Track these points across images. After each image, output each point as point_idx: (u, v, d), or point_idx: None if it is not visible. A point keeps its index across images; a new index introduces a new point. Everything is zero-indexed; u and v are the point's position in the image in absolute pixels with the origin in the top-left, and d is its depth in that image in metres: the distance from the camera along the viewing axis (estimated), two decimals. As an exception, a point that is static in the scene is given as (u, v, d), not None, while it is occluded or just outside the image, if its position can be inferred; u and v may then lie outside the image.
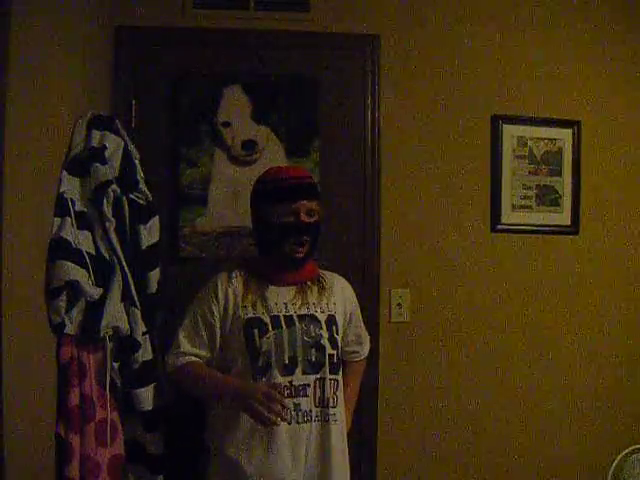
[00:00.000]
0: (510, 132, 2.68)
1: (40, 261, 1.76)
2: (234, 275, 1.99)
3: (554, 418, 2.69)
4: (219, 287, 1.97)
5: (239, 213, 2.46)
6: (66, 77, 1.94)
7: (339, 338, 1.99)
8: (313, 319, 1.94)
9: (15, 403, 1.56)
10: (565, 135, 2.71)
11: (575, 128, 2.71)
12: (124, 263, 1.98)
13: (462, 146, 2.66)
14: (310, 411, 1.88)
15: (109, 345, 1.91)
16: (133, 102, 2.49)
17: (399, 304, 2.61)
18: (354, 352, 2.18)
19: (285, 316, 1.92)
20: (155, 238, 2.18)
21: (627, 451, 2.39)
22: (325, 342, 1.92)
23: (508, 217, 2.68)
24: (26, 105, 1.62)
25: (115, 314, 1.91)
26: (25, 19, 1.60)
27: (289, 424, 1.85)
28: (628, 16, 2.76)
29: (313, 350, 1.90)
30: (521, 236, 2.69)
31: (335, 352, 1.95)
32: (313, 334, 1.91)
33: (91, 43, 2.24)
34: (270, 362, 1.86)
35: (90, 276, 1.88)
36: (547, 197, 2.71)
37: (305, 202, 1.92)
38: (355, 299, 2.15)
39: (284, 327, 1.89)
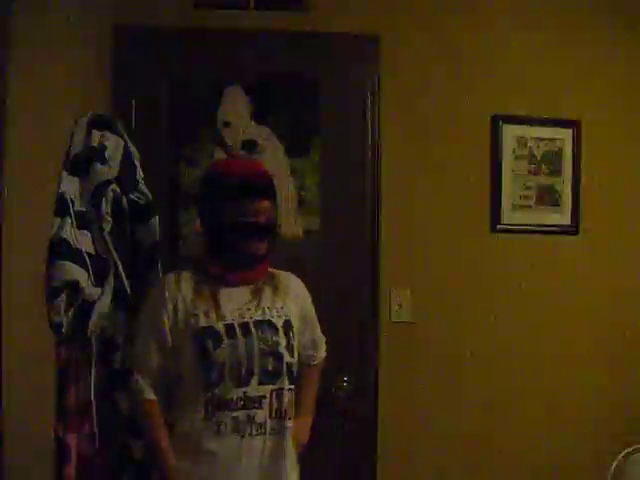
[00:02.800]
0: (510, 132, 2.68)
1: (40, 261, 1.76)
2: (182, 279, 1.82)
3: (554, 418, 2.69)
4: (166, 294, 1.79)
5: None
6: (66, 77, 1.94)
7: (295, 344, 1.86)
8: (270, 325, 1.80)
9: (15, 403, 1.56)
10: (565, 135, 2.71)
11: (575, 128, 2.71)
12: (119, 264, 1.97)
13: (462, 146, 2.66)
14: (265, 423, 1.76)
15: (95, 345, 1.89)
16: (133, 102, 2.49)
17: (399, 304, 2.61)
18: (309, 355, 2.02)
19: (240, 324, 1.77)
20: (155, 238, 2.18)
21: (627, 451, 2.39)
22: (282, 350, 1.79)
23: (508, 217, 2.67)
24: (26, 105, 1.62)
25: (103, 315, 1.90)
26: (26, 20, 1.60)
27: (242, 437, 1.74)
28: (628, 16, 2.75)
29: (270, 359, 1.77)
30: (521, 236, 2.69)
31: (293, 360, 1.83)
32: (270, 342, 1.78)
33: (91, 43, 2.24)
34: (224, 374, 1.73)
35: (90, 276, 1.87)
36: (547, 197, 2.71)
37: (267, 202, 1.80)
38: (310, 300, 2.00)
39: (239, 336, 1.76)
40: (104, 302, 1.91)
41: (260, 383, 1.76)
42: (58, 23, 1.86)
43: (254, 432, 1.75)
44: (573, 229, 2.72)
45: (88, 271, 1.87)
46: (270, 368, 1.77)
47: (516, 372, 2.67)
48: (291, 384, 1.82)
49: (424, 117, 2.64)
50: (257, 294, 1.83)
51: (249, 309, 1.80)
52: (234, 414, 1.73)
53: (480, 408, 2.65)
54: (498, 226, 2.67)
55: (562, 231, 2.72)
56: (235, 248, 1.80)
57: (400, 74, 2.62)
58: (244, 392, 1.74)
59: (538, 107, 2.70)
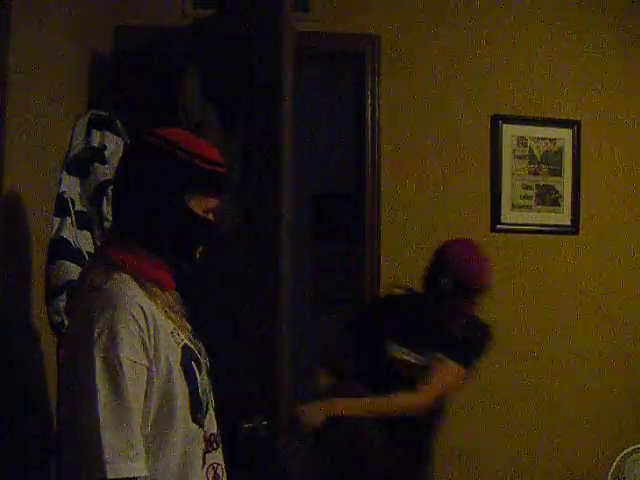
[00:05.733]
0: (510, 132, 2.68)
1: (40, 261, 1.77)
2: (131, 283, 1.26)
3: (554, 418, 2.69)
4: (137, 304, 1.23)
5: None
6: (66, 77, 1.94)
7: None
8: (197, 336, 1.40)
9: (15, 403, 1.56)
10: (565, 135, 2.71)
11: (575, 128, 2.71)
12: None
13: (462, 146, 2.66)
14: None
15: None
16: (133, 102, 2.48)
17: (399, 304, 2.60)
18: None
19: (194, 338, 1.37)
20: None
21: (627, 451, 2.39)
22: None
23: (508, 217, 2.68)
24: (26, 105, 1.62)
25: None
26: (26, 19, 1.60)
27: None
28: (628, 17, 2.76)
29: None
30: (521, 236, 2.69)
31: None
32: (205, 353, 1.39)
33: (91, 43, 2.24)
34: (207, 403, 1.34)
35: (90, 276, 1.88)
36: (547, 197, 2.71)
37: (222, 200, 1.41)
38: None
39: (203, 353, 1.37)
40: None
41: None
42: (58, 23, 1.86)
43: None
44: (573, 229, 2.72)
45: (88, 271, 1.87)
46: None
47: (516, 372, 2.67)
48: None
49: (424, 117, 2.64)
50: (177, 301, 1.40)
51: (184, 321, 1.38)
52: (218, 451, 1.36)
53: (480, 408, 2.65)
54: (498, 226, 2.67)
55: (562, 231, 2.72)
56: (190, 248, 1.38)
57: (400, 74, 2.62)
58: (215, 429, 1.37)
59: (538, 107, 2.70)
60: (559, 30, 2.72)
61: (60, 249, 1.80)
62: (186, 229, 1.34)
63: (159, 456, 1.23)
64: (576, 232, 2.72)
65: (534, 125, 2.70)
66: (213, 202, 1.35)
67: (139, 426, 1.18)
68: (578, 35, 2.73)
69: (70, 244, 1.83)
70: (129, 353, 1.17)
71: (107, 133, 2.05)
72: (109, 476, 1.12)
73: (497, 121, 2.66)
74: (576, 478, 2.69)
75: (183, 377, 1.27)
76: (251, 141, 2.02)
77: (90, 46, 2.23)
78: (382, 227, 2.59)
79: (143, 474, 1.17)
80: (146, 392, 1.20)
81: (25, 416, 1.65)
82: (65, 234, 1.82)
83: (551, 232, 2.71)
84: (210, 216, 1.36)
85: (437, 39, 2.65)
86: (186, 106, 2.25)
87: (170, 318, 1.30)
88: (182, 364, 1.27)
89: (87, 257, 1.87)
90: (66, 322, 1.82)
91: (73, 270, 1.80)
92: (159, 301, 1.29)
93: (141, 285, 1.27)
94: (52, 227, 1.82)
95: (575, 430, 2.70)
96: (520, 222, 2.69)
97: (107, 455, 1.13)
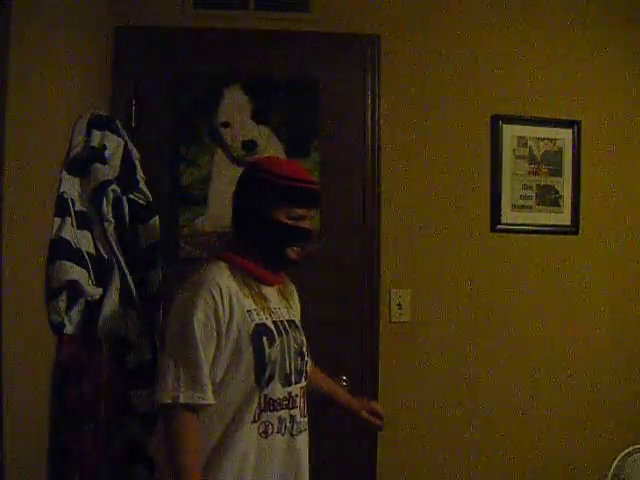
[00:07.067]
0: (510, 132, 2.68)
1: (40, 261, 1.76)
2: (225, 271, 1.71)
3: (554, 418, 2.69)
4: (218, 285, 1.66)
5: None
6: (66, 77, 1.94)
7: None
8: (296, 325, 1.83)
9: (15, 403, 1.56)
10: (565, 135, 2.71)
11: (575, 128, 2.71)
12: (123, 263, 1.98)
13: (462, 146, 2.66)
14: (301, 422, 1.77)
15: (106, 346, 1.91)
16: (133, 102, 2.49)
17: (399, 304, 2.61)
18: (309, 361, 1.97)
19: (282, 322, 1.77)
20: (155, 238, 2.18)
21: (627, 451, 2.39)
22: (305, 349, 1.82)
23: (508, 217, 2.68)
24: (26, 105, 1.62)
25: (112, 315, 1.91)
26: (25, 19, 1.60)
27: (282, 435, 1.71)
28: (628, 17, 2.75)
29: (299, 358, 1.78)
30: (521, 236, 2.69)
31: (308, 360, 1.85)
32: (299, 341, 1.80)
33: (91, 43, 2.24)
34: (274, 373, 1.70)
35: (90, 276, 1.88)
36: (547, 197, 2.71)
37: (315, 210, 1.88)
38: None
39: (284, 334, 1.74)
40: (111, 303, 1.92)
41: (295, 382, 1.76)
42: (58, 23, 1.86)
43: (295, 432, 1.74)
44: (573, 229, 2.72)
45: (89, 271, 1.88)
46: (299, 367, 1.78)
47: (516, 372, 2.67)
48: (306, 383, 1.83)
49: (424, 117, 2.64)
50: (283, 295, 1.85)
51: (281, 309, 1.80)
52: (279, 414, 1.70)
53: (480, 408, 2.65)
54: (498, 226, 2.67)
55: (562, 231, 2.72)
56: (280, 251, 1.77)
57: (400, 74, 2.62)
58: (289, 392, 1.73)
59: (538, 107, 2.70)
60: (559, 30, 2.72)
61: (60, 249, 1.81)
62: (272, 235, 1.75)
63: (221, 396, 1.63)
64: (576, 232, 2.72)
65: (534, 125, 2.69)
66: (298, 211, 1.75)
67: (205, 367, 1.60)
68: (578, 35, 2.73)
69: (70, 244, 1.83)
70: (201, 316, 1.62)
71: (107, 133, 2.06)
72: (165, 400, 1.59)
73: (497, 121, 2.66)
74: (576, 478, 2.69)
75: (251, 346, 1.66)
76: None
77: (90, 46, 2.23)
78: (382, 227, 2.59)
79: (206, 402, 1.60)
80: (219, 346, 1.64)
81: (25, 416, 1.65)
82: (65, 234, 1.82)
83: (551, 232, 2.71)
84: (300, 223, 1.75)
85: (437, 39, 2.65)
86: (229, 123, 2.50)
87: (254, 301, 1.71)
88: (252, 336, 1.67)
89: (87, 257, 1.88)
90: (66, 322, 1.83)
91: (73, 270, 1.81)
92: (247, 288, 1.71)
93: (233, 273, 1.71)
94: (52, 227, 1.82)
95: (575, 430, 2.70)
96: (520, 222, 2.68)
97: (172, 385, 1.59)
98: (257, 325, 1.69)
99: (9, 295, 1.54)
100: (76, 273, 1.81)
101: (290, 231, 1.74)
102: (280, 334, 1.73)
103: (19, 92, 1.57)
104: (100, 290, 1.90)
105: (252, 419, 1.66)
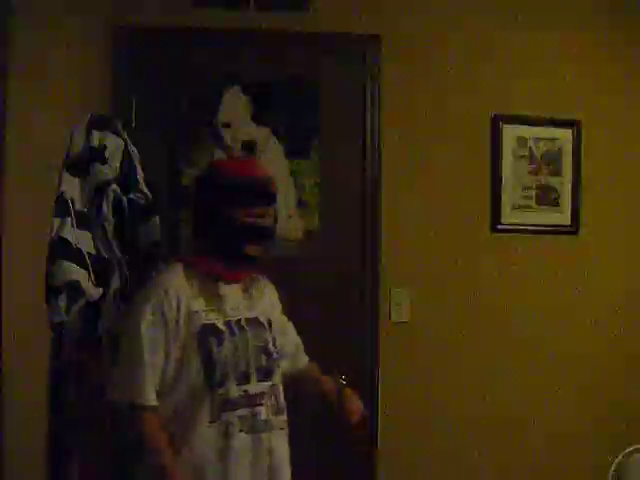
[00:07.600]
0: (510, 132, 2.68)
1: (40, 261, 1.77)
2: (177, 274, 1.75)
3: (554, 418, 2.69)
4: (166, 288, 1.71)
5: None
6: (66, 77, 1.94)
7: (277, 343, 1.87)
8: (259, 323, 1.82)
9: (14, 403, 1.56)
10: (565, 135, 2.71)
11: (575, 128, 2.71)
12: (123, 263, 1.98)
13: (462, 146, 2.66)
14: (268, 420, 1.75)
15: (105, 345, 1.91)
16: (133, 102, 2.49)
17: (399, 303, 2.61)
18: (299, 359, 2.03)
19: (237, 320, 1.77)
20: (155, 238, 2.18)
21: (627, 451, 2.39)
22: (271, 348, 1.81)
23: (508, 217, 2.68)
24: (26, 105, 1.63)
25: (111, 315, 1.91)
26: (26, 19, 1.60)
27: (246, 434, 1.71)
28: (628, 17, 2.75)
29: (263, 356, 1.78)
30: (521, 236, 2.69)
31: (278, 357, 1.84)
32: (262, 339, 1.79)
33: (91, 43, 2.24)
34: (227, 373, 1.70)
35: (90, 276, 1.88)
36: (547, 197, 2.71)
37: (272, 207, 1.84)
38: (280, 307, 1.98)
39: (237, 333, 1.75)
40: (110, 302, 1.91)
41: (258, 380, 1.75)
42: (58, 23, 1.86)
43: (259, 429, 1.73)
44: (573, 229, 2.72)
45: (89, 271, 1.87)
46: (264, 365, 1.78)
47: (516, 372, 2.67)
48: (280, 381, 1.82)
49: (424, 117, 2.64)
50: (247, 292, 1.84)
51: (240, 307, 1.80)
52: (239, 413, 1.70)
53: (480, 408, 2.65)
54: (498, 226, 2.67)
55: (562, 231, 2.72)
56: (238, 248, 1.79)
57: (400, 74, 2.62)
58: (245, 390, 1.72)
59: (538, 107, 2.70)
60: (560, 30, 2.72)
61: (60, 249, 1.80)
62: (231, 233, 1.76)
63: (174, 397, 1.67)
64: (576, 232, 2.72)
65: (534, 125, 2.69)
66: (255, 209, 1.76)
67: (148, 369, 1.64)
68: (578, 35, 2.73)
69: (70, 244, 1.83)
70: (148, 319, 1.66)
71: (107, 133, 2.05)
72: (113, 399, 1.65)
73: (497, 121, 2.66)
74: (576, 478, 2.69)
75: (197, 346, 1.68)
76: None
77: (90, 46, 2.23)
78: (382, 227, 2.59)
79: (150, 404, 1.64)
80: (168, 348, 1.67)
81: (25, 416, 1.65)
82: (65, 234, 1.82)
83: (551, 232, 2.71)
84: (258, 220, 1.76)
85: (437, 39, 2.65)
86: (229, 124, 2.51)
87: (206, 301, 1.73)
88: (198, 336, 1.69)
89: (87, 257, 1.88)
90: (66, 322, 1.82)
91: (73, 270, 1.81)
92: (200, 288, 1.73)
93: (188, 274, 1.75)
94: (52, 227, 1.82)
95: (575, 430, 2.70)
96: (520, 222, 2.68)
97: (117, 386, 1.65)
98: (204, 325, 1.71)
99: (9, 295, 1.54)
100: (76, 273, 1.81)
101: (248, 229, 1.77)
102: (233, 333, 1.74)
103: (19, 92, 1.57)
104: (100, 290, 1.90)
105: (209, 419, 1.68)
